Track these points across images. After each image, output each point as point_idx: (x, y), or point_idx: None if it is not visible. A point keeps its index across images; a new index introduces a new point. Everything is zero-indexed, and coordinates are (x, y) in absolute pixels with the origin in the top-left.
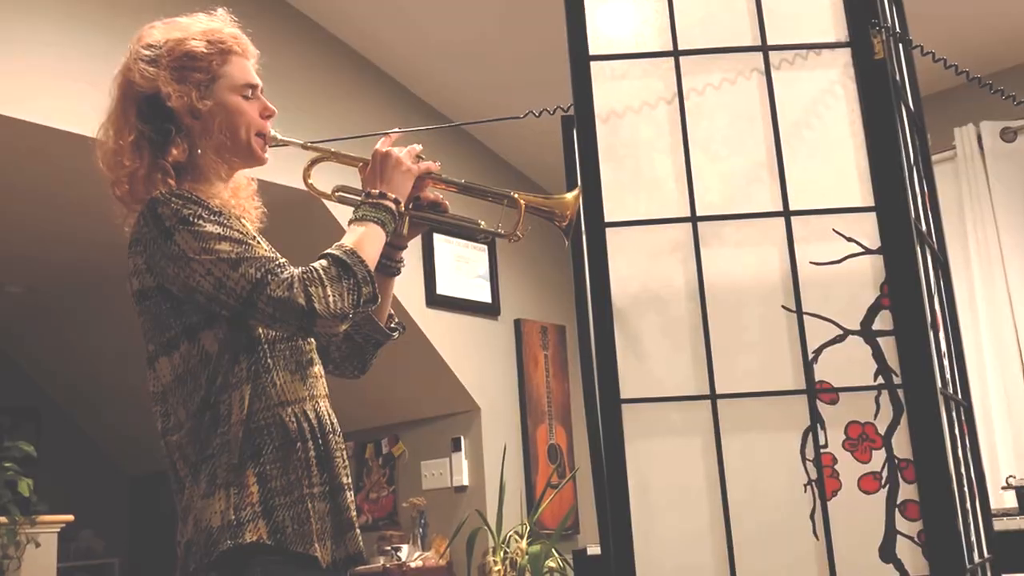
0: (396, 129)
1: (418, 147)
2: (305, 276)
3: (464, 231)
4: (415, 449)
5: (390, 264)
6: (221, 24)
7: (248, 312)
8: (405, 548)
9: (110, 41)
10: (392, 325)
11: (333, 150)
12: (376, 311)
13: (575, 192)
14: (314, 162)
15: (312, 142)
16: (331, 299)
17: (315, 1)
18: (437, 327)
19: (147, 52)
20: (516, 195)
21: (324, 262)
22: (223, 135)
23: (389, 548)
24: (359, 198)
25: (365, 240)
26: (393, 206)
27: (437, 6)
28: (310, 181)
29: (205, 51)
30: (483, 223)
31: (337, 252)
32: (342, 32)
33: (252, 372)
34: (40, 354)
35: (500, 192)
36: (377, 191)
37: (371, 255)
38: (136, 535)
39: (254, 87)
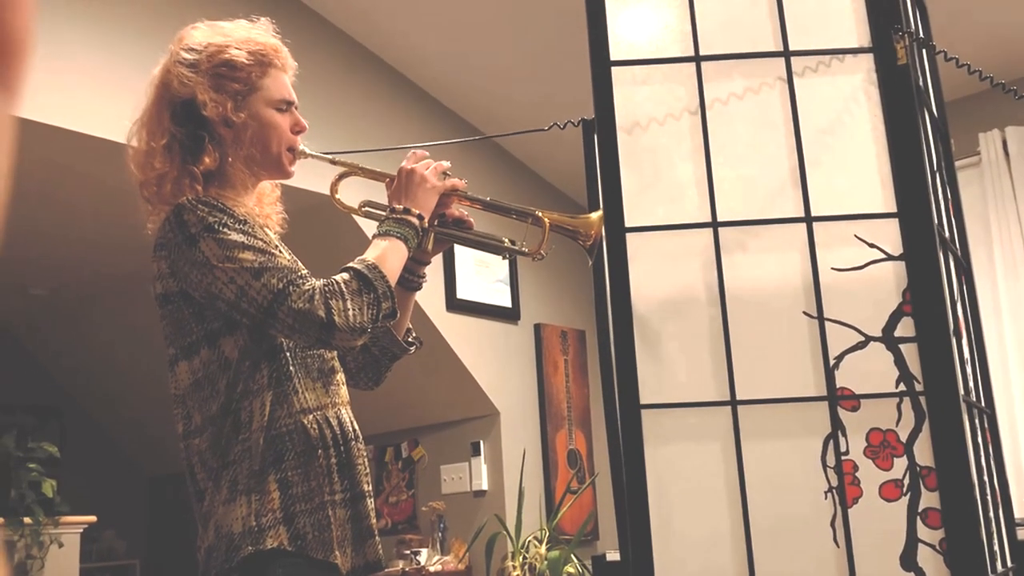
0: (420, 145)
1: (446, 163)
2: (326, 289)
3: (488, 248)
4: (435, 453)
5: (412, 279)
6: (263, 34)
7: (268, 322)
8: (424, 552)
9: (143, 47)
10: (410, 339)
11: (361, 165)
12: (395, 324)
13: (599, 212)
14: (342, 176)
15: (338, 157)
16: (351, 313)
17: (348, 13)
18: (457, 331)
19: (187, 56)
20: (540, 214)
21: (346, 275)
22: (254, 148)
23: (408, 552)
24: (384, 213)
25: (387, 255)
26: (416, 222)
27: (472, 21)
28: (338, 196)
29: (245, 62)
30: (507, 241)
31: (359, 266)
32: (372, 43)
33: (274, 379)
34: (64, 355)
35: (525, 210)
36: (401, 207)
37: (392, 270)
38: (155, 536)
39: (290, 103)
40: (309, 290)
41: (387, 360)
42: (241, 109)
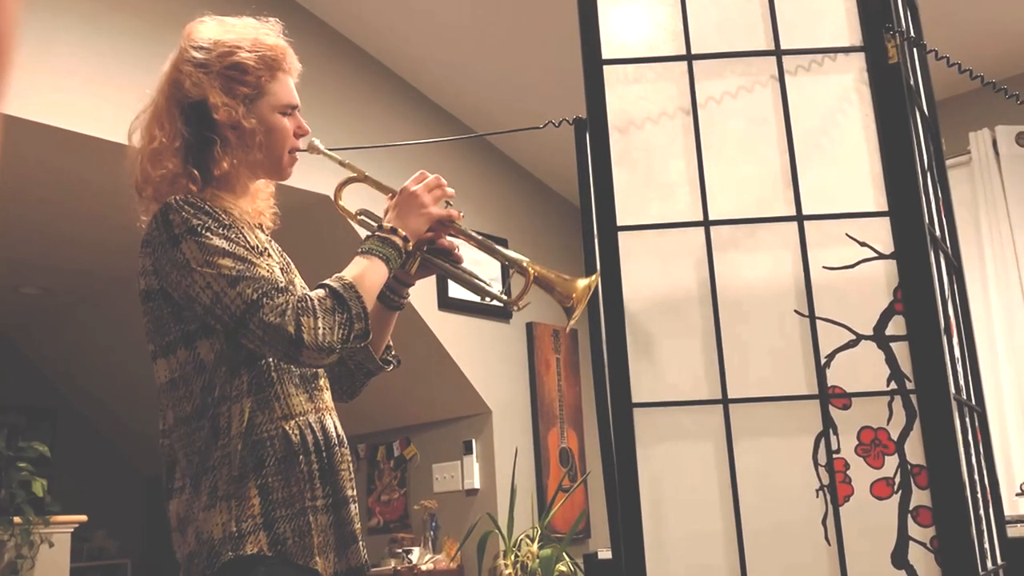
0: (414, 142)
1: (451, 191)
2: (299, 305)
3: (470, 287)
4: (426, 452)
5: (394, 298)
6: (271, 36)
7: (240, 331)
8: (416, 551)
9: (138, 48)
10: (387, 357)
11: (367, 174)
12: (373, 342)
13: (588, 280)
14: (348, 181)
15: (348, 160)
16: (320, 331)
17: (349, 18)
18: (449, 330)
19: (198, 55)
20: (527, 265)
21: (321, 292)
22: (260, 152)
23: (400, 550)
24: (375, 227)
25: (366, 274)
26: (401, 243)
27: (471, 27)
28: (341, 203)
29: (255, 65)
30: (490, 284)
31: (335, 284)
32: (373, 47)
33: (255, 385)
34: (56, 355)
35: (513, 259)
36: (389, 226)
37: (370, 290)
38: (152, 535)
39: (294, 107)
40: (282, 304)
41: (362, 375)
42: (251, 115)
